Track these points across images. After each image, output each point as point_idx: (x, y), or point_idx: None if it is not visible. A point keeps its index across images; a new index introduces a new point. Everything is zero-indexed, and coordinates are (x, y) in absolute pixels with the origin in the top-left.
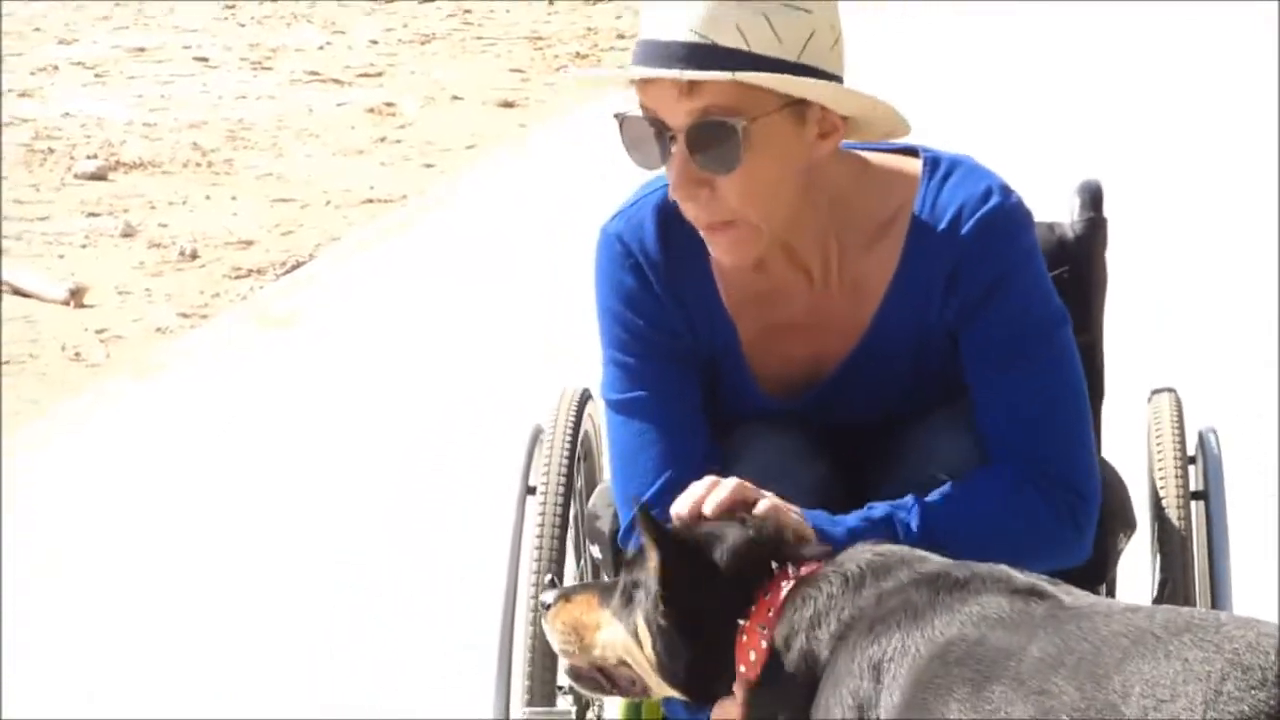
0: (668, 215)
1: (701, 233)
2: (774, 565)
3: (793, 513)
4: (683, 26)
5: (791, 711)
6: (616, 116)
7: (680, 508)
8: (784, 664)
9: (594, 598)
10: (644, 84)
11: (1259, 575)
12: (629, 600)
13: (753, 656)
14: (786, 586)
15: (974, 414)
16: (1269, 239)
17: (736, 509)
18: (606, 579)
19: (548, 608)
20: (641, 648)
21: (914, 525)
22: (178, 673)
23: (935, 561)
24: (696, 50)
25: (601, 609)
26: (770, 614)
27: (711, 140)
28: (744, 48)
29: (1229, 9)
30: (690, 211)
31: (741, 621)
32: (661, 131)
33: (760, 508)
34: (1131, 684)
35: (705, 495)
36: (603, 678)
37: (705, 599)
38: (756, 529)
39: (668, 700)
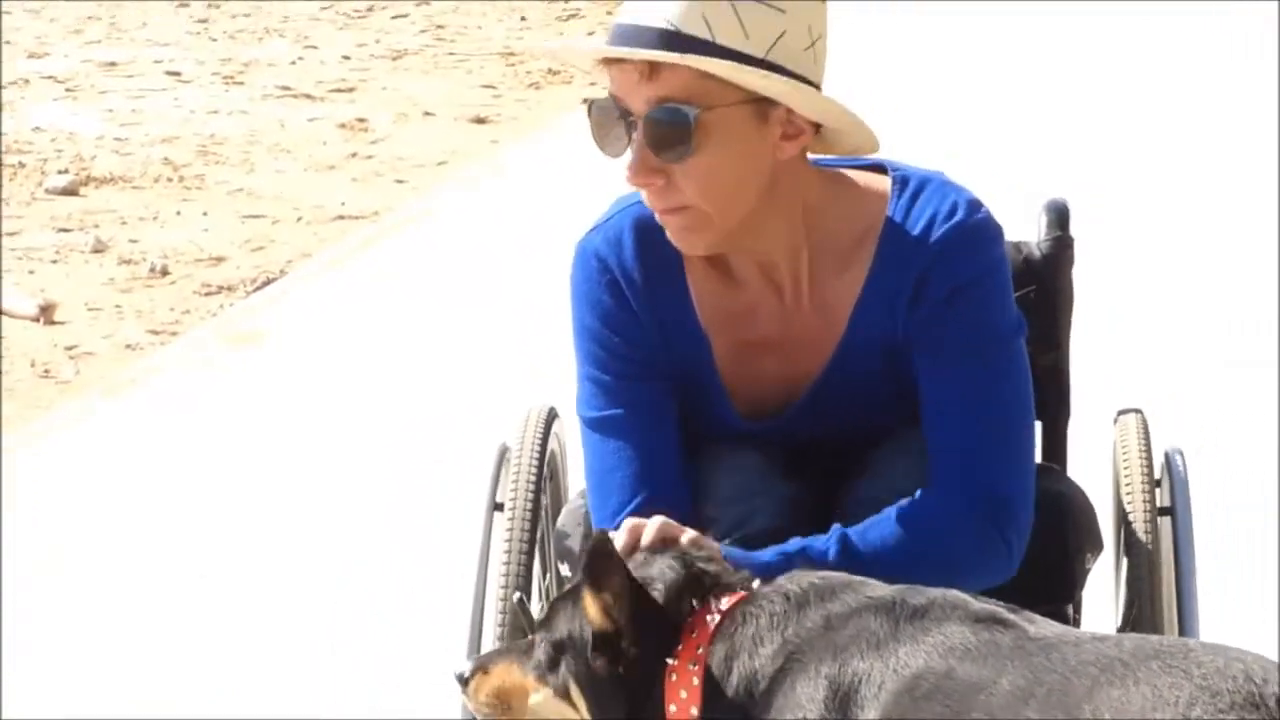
0: (645, 230)
1: (657, 216)
2: (694, 602)
3: (708, 548)
4: (656, 14)
5: None
6: (585, 101)
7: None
8: (724, 686)
9: (513, 664)
10: (611, 68)
11: (1220, 591)
12: (554, 663)
13: (683, 695)
14: (713, 620)
15: (920, 411)
16: (1242, 257)
17: (665, 546)
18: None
19: (466, 681)
20: (576, 709)
21: (832, 554)
22: (178, 672)
23: (882, 587)
24: (663, 37)
25: (526, 674)
26: (700, 651)
27: (667, 127)
28: (708, 38)
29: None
30: (645, 197)
31: (670, 660)
32: (624, 116)
33: (685, 540)
34: (1101, 712)
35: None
36: None
37: (642, 643)
38: (686, 564)
39: None
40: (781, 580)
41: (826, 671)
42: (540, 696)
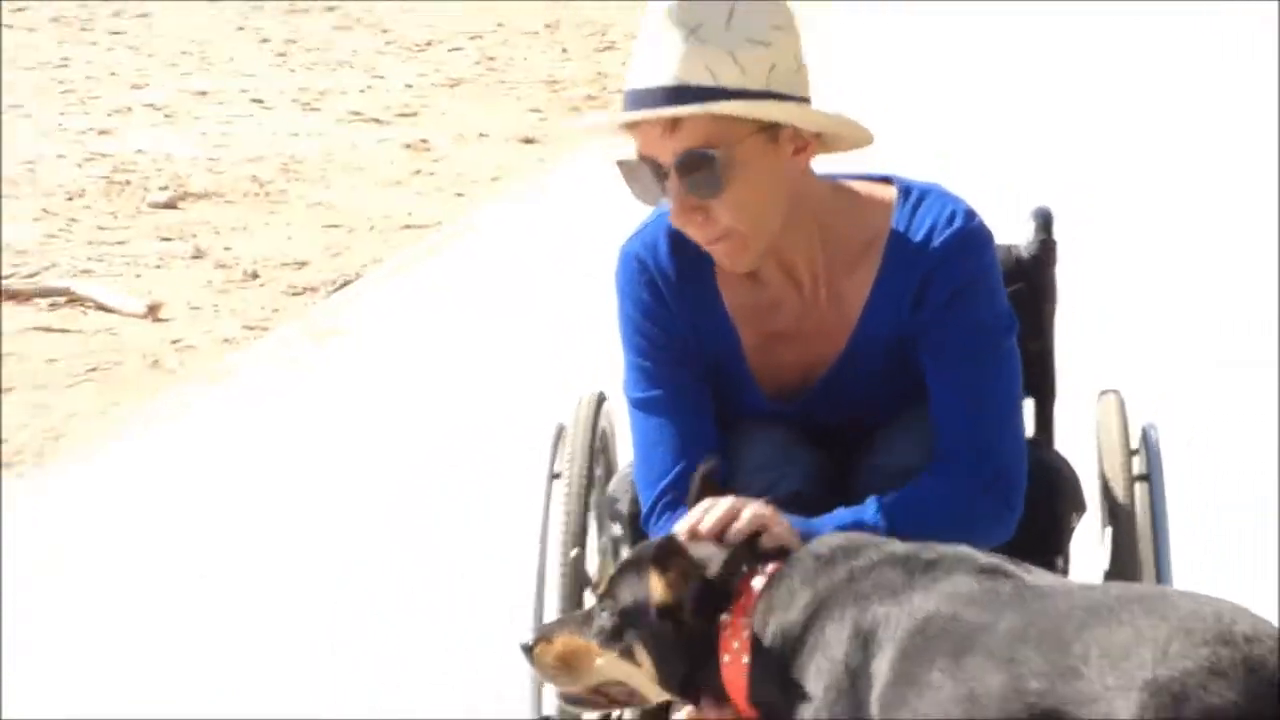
0: (678, 235)
1: (704, 247)
2: (744, 568)
3: (782, 521)
4: (662, 73)
5: (780, 678)
6: (618, 163)
7: (705, 524)
8: (768, 636)
9: (574, 632)
10: (634, 129)
11: (1219, 591)
12: (619, 628)
13: (735, 646)
14: (758, 585)
15: (928, 405)
16: (1238, 257)
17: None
18: (627, 554)
19: (530, 650)
20: (640, 666)
21: (882, 528)
22: (178, 672)
23: (900, 544)
24: (673, 92)
25: (589, 640)
26: (747, 613)
27: (697, 171)
28: (714, 84)
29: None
30: (690, 233)
31: (725, 617)
32: (656, 169)
33: (779, 526)
34: (1089, 648)
35: (725, 518)
36: (600, 698)
37: (699, 610)
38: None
39: None
40: (812, 544)
41: (851, 616)
42: (606, 659)
